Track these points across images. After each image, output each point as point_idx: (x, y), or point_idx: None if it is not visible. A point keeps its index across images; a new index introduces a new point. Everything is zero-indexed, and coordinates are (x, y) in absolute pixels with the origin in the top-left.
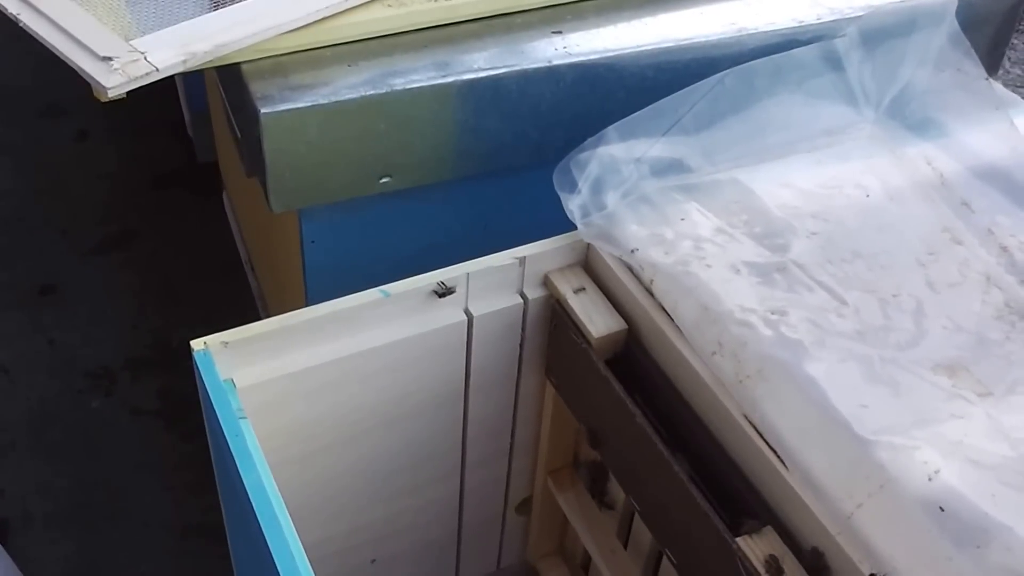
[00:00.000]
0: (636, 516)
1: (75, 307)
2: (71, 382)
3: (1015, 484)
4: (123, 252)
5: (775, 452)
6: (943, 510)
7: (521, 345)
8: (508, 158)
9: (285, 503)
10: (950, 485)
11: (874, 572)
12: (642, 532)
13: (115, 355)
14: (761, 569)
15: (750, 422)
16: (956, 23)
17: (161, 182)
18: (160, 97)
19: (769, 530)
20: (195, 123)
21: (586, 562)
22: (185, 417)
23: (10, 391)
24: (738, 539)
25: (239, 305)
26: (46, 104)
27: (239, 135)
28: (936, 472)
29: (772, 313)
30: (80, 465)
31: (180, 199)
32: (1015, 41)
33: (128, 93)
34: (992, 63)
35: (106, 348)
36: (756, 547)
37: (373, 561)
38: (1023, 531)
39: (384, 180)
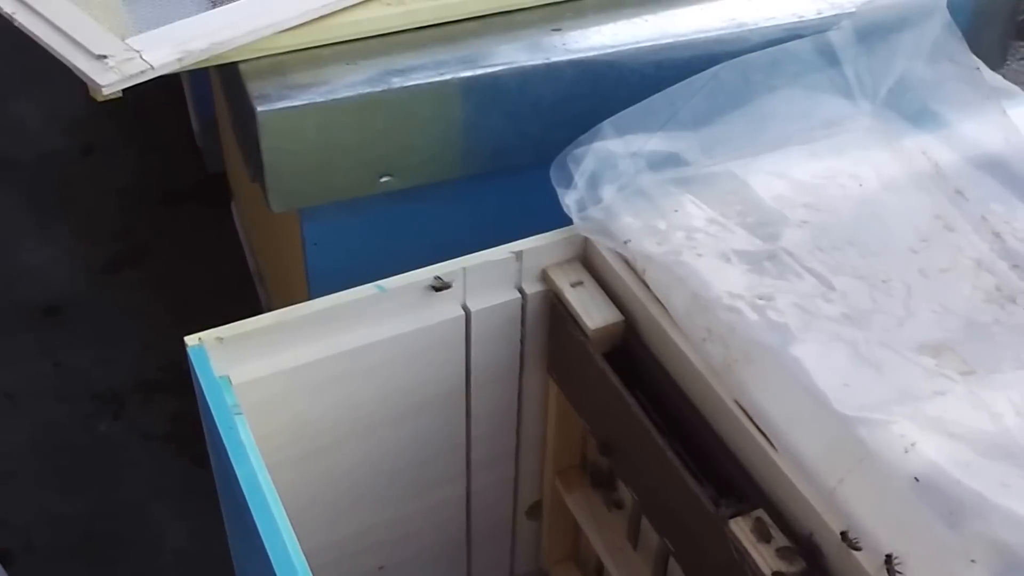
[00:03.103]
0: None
1: (82, 328)
2: (78, 406)
3: (991, 455)
4: (132, 270)
5: (764, 435)
6: (919, 481)
7: (522, 341)
8: (509, 156)
9: (286, 506)
10: (927, 457)
11: (844, 530)
12: (651, 531)
13: (124, 378)
14: (752, 551)
15: (740, 406)
16: (948, 14)
17: (171, 197)
18: (169, 109)
19: (760, 512)
20: (204, 133)
21: (600, 567)
22: (198, 442)
23: (14, 416)
24: (729, 521)
25: None
26: (51, 117)
27: (240, 137)
28: (912, 445)
29: (759, 299)
30: (87, 493)
31: (191, 213)
32: None
33: (135, 105)
34: (999, 55)
35: (115, 370)
36: (747, 529)
37: (381, 568)
38: (996, 499)
39: (385, 179)
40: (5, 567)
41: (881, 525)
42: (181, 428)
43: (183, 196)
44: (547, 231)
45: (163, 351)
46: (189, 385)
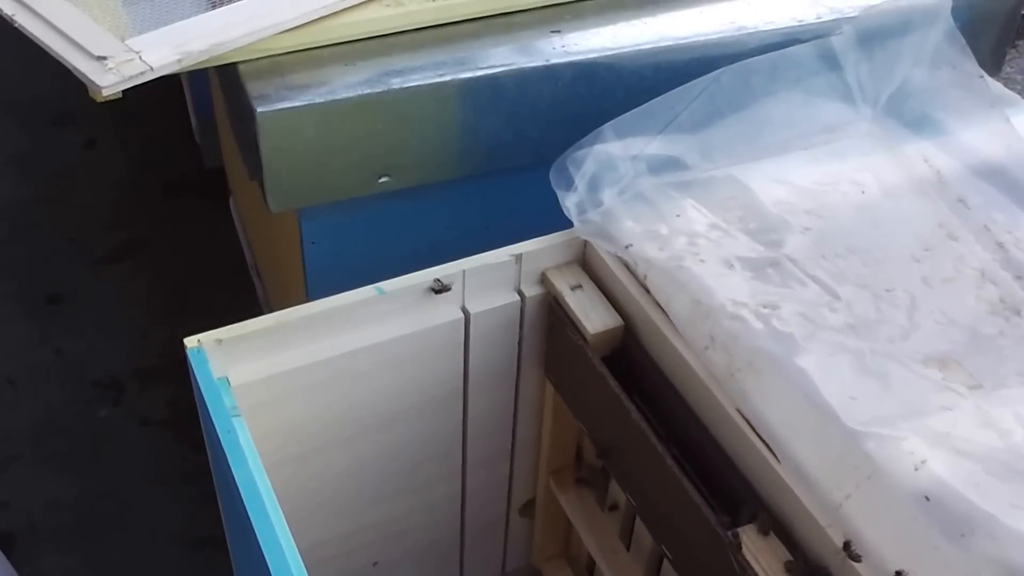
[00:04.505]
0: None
1: (83, 316)
2: (78, 392)
3: (1001, 474)
4: (132, 260)
5: (766, 445)
6: (929, 500)
7: (519, 343)
8: (507, 157)
9: (283, 505)
10: (936, 475)
11: (848, 540)
12: (644, 532)
13: (123, 364)
14: (753, 563)
15: (742, 415)
16: (952, 21)
17: (170, 190)
18: (168, 105)
19: (762, 524)
20: (202, 129)
21: (591, 565)
22: (195, 427)
23: (16, 401)
24: (730, 533)
25: (247, 312)
26: (54, 112)
27: (239, 136)
28: (923, 462)
29: (764, 307)
30: (87, 476)
31: (189, 206)
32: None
33: (136, 100)
34: (995, 63)
35: (114, 357)
36: (748, 539)
37: (375, 564)
38: (1007, 520)
39: (383, 180)
40: (7, 549)
41: (889, 542)
42: (179, 414)
43: (182, 190)
44: (544, 231)
45: (161, 339)
46: (186, 373)
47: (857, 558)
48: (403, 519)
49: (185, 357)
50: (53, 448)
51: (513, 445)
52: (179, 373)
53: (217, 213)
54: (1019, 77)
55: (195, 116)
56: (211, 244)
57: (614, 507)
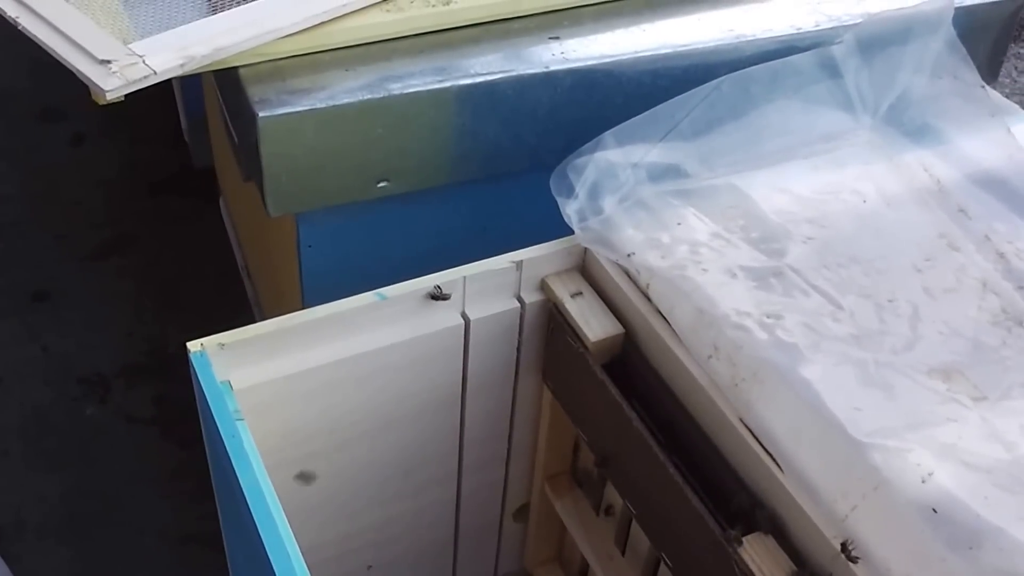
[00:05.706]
0: (633, 522)
1: (70, 313)
2: (65, 389)
3: (1008, 486)
4: (119, 258)
5: (770, 455)
6: (936, 512)
7: (518, 349)
8: (506, 163)
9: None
10: (943, 487)
11: (844, 541)
12: (640, 538)
13: (110, 362)
14: (756, 572)
15: (746, 425)
16: (952, 30)
17: (158, 188)
18: (158, 103)
19: (765, 534)
20: (192, 129)
21: (584, 569)
22: (181, 424)
23: (3, 399)
24: (734, 543)
25: (236, 311)
26: (43, 108)
27: (236, 139)
28: (929, 474)
29: (768, 317)
30: (74, 473)
31: (176, 205)
32: (1022, 51)
33: (125, 98)
34: (992, 71)
35: (101, 355)
36: (752, 550)
37: (369, 567)
38: (1015, 533)
39: (382, 184)
40: None
41: (895, 554)
42: (165, 411)
43: (170, 188)
44: (543, 237)
45: (148, 337)
46: (173, 370)
47: (854, 559)
48: (398, 522)
49: (172, 355)
50: (40, 445)
51: (509, 450)
52: (166, 371)
53: (206, 212)
54: (1007, 81)
55: (185, 116)
56: (199, 243)
57: (609, 512)
